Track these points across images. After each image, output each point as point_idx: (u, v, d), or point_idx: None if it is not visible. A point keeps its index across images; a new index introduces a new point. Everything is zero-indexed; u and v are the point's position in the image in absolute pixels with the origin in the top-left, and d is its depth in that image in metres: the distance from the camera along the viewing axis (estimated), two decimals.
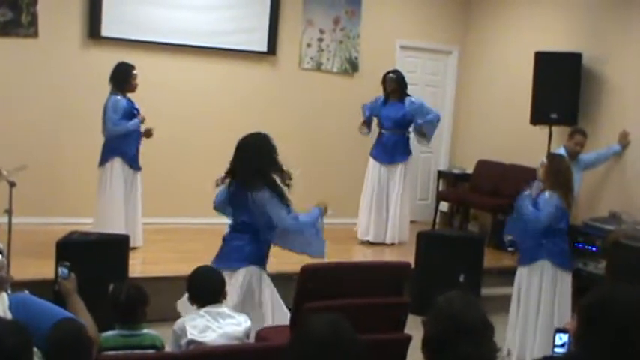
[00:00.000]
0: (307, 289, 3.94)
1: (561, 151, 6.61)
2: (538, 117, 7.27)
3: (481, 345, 2.11)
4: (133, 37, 7.26)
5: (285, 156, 4.60)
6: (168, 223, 7.28)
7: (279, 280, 5.12)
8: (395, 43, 8.58)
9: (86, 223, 6.19)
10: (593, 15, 7.21)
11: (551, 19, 7.72)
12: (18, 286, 4.61)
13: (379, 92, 7.50)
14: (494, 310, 3.99)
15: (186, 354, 3.23)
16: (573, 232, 6.35)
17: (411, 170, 7.67)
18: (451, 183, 8.82)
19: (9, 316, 2.64)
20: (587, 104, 7.12)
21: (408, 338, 3.94)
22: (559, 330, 2.62)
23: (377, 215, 7.46)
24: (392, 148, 7.41)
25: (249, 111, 7.58)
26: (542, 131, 7.31)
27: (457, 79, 9.01)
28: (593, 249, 6.45)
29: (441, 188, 8.85)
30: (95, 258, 4.96)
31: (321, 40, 8.18)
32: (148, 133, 6.27)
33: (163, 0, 7.40)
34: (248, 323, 3.50)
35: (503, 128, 8.16)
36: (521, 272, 5.12)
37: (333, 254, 6.62)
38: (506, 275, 5.83)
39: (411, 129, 7.50)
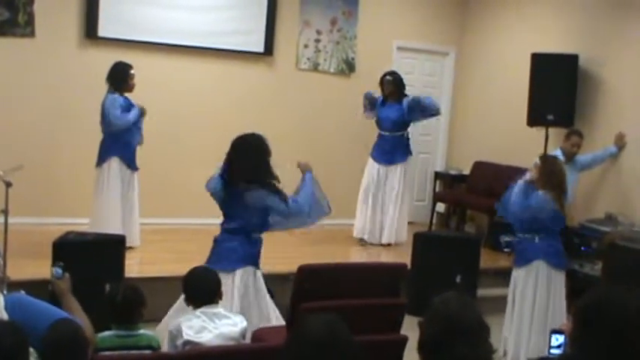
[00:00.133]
0: (304, 289, 3.94)
1: (558, 152, 6.63)
2: (535, 118, 7.28)
3: (477, 346, 2.11)
4: (130, 37, 7.25)
5: (283, 156, 4.61)
6: (165, 223, 7.27)
7: (276, 280, 5.12)
8: (392, 44, 8.58)
9: (82, 224, 6.17)
10: (589, 16, 7.22)
11: (548, 20, 7.73)
12: (14, 286, 4.61)
13: (376, 93, 7.51)
14: (490, 311, 4.00)
15: (182, 355, 3.23)
16: (569, 233, 6.37)
17: (410, 170, 7.68)
18: (448, 184, 8.83)
19: (5, 316, 2.63)
20: (583, 106, 7.13)
21: (405, 339, 3.94)
22: (555, 331, 2.62)
23: (373, 214, 7.47)
24: (391, 149, 7.43)
25: (246, 111, 7.58)
26: (538, 132, 7.32)
27: (454, 80, 9.02)
28: (589, 250, 6.46)
29: (437, 189, 8.85)
30: (91, 258, 4.96)
31: (318, 40, 8.18)
32: (142, 112, 6.22)
33: (160, 0, 7.39)
34: (244, 324, 3.50)
35: (500, 129, 8.17)
36: (518, 274, 5.13)
37: (330, 255, 6.67)
38: (503, 276, 5.83)
39: (410, 129, 7.52)
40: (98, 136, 6.19)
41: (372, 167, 7.50)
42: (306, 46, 8.15)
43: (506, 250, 6.65)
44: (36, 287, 3.81)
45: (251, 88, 7.80)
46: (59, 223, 6.43)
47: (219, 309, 3.48)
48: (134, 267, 5.78)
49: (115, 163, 6.12)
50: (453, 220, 8.64)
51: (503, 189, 5.14)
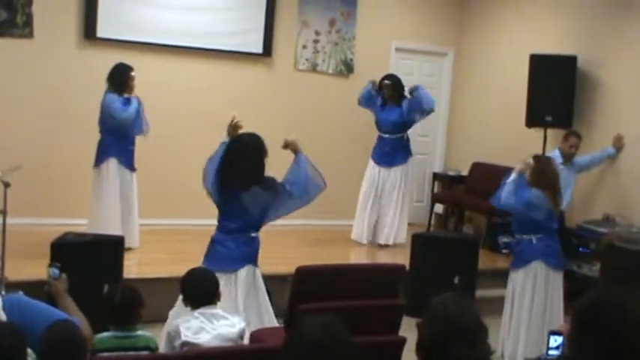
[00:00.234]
0: (302, 290, 3.94)
1: (556, 153, 6.64)
2: (533, 119, 7.28)
3: (475, 347, 2.12)
4: (128, 38, 7.25)
5: (282, 157, 4.61)
6: (163, 224, 7.26)
7: (274, 281, 5.12)
8: (390, 44, 8.59)
9: (81, 224, 6.17)
10: (588, 18, 7.23)
11: (546, 21, 7.74)
12: (12, 287, 4.63)
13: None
14: (489, 312, 4.00)
15: (180, 355, 3.22)
16: (567, 234, 6.37)
17: (411, 171, 7.67)
18: (446, 185, 8.83)
19: (3, 317, 2.63)
20: (582, 107, 7.14)
21: (403, 340, 3.94)
22: (553, 332, 2.63)
23: (373, 216, 7.48)
24: (391, 151, 7.44)
25: (245, 112, 7.43)
26: (537, 133, 7.32)
27: (452, 80, 9.03)
28: (588, 251, 6.47)
29: (436, 190, 8.86)
30: (90, 259, 4.96)
31: (316, 41, 8.18)
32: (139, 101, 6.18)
33: (159, 1, 7.39)
34: (242, 324, 3.50)
35: (498, 130, 8.18)
36: (517, 275, 5.13)
37: (329, 256, 6.67)
38: (501, 277, 5.84)
39: (410, 131, 7.54)
40: (97, 137, 6.18)
41: (372, 169, 7.52)
42: (304, 46, 8.15)
43: (504, 251, 6.62)
44: (34, 288, 3.80)
45: (249, 89, 7.80)
46: (57, 223, 6.42)
47: (217, 310, 3.48)
48: (133, 268, 5.78)
49: (112, 164, 6.11)
50: (452, 221, 8.64)
51: None
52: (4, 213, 4.98)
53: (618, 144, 6.80)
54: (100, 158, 6.14)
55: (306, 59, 8.18)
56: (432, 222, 8.61)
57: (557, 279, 5.12)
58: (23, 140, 6.85)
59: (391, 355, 3.92)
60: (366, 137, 7.73)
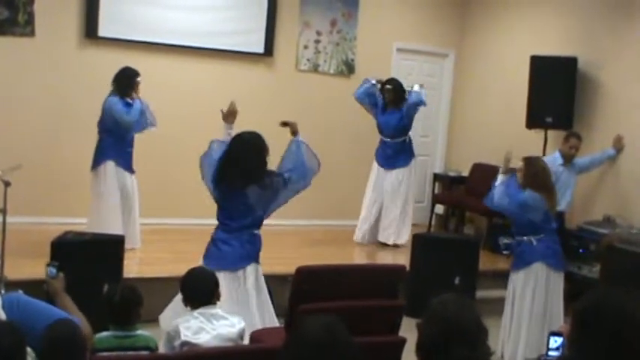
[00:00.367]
0: (302, 290, 3.94)
1: (556, 154, 6.65)
2: (533, 120, 7.28)
3: (475, 348, 2.11)
4: (129, 37, 7.25)
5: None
6: (164, 223, 7.26)
7: (274, 281, 5.12)
8: (391, 45, 8.59)
9: (81, 223, 6.17)
10: (588, 20, 7.23)
11: (547, 23, 7.74)
12: (12, 286, 4.63)
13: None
14: (489, 312, 4.00)
15: (179, 356, 3.22)
16: (567, 235, 6.37)
17: (413, 173, 7.66)
18: (447, 186, 8.83)
19: (3, 316, 2.63)
20: (582, 108, 7.14)
21: (403, 341, 3.94)
22: (553, 333, 2.63)
23: (373, 218, 7.49)
24: (393, 154, 7.47)
25: (246, 112, 7.46)
26: (537, 135, 7.33)
27: (453, 81, 9.03)
28: (588, 252, 6.47)
29: (436, 191, 8.85)
30: (90, 258, 4.96)
31: (317, 41, 8.18)
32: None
33: (160, 0, 7.39)
34: (242, 324, 3.49)
35: (498, 131, 8.17)
36: (517, 277, 5.12)
37: (329, 256, 6.66)
38: (502, 278, 5.84)
39: (411, 132, 7.54)
40: (97, 136, 6.18)
41: (375, 171, 7.53)
42: (305, 47, 8.15)
43: (505, 252, 6.62)
44: (34, 287, 3.80)
45: (251, 89, 7.79)
46: (57, 222, 6.42)
47: (217, 310, 3.48)
48: (133, 267, 5.78)
49: (110, 167, 6.08)
50: (452, 221, 8.64)
51: None
52: (4, 212, 4.98)
53: (618, 145, 6.80)
54: (98, 161, 6.12)
55: (308, 59, 8.18)
56: (433, 223, 8.61)
57: (557, 280, 5.12)
58: (23, 139, 6.85)
59: (391, 356, 3.92)
60: (367, 137, 7.73)
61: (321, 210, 8.12)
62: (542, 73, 7.18)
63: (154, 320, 4.42)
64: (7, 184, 5.01)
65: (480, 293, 6.19)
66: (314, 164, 4.59)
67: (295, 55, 8.12)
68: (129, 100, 6.11)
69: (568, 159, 6.60)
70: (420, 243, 6.37)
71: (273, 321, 4.48)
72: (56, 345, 2.51)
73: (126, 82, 6.08)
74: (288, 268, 4.62)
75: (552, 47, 7.36)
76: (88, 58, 7.13)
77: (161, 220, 7.23)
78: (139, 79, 6.12)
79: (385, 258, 7.17)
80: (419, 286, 5.80)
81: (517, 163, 5.15)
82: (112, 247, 5.23)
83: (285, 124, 4.72)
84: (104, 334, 3.30)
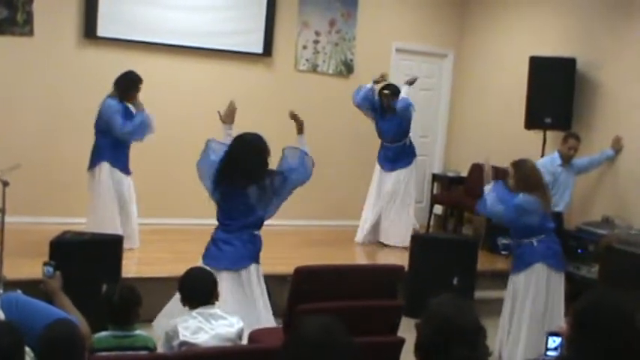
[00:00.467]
0: (301, 290, 3.94)
1: (555, 155, 6.65)
2: (532, 121, 7.29)
3: (473, 348, 2.12)
4: (128, 37, 7.25)
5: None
6: (163, 223, 7.26)
7: (274, 281, 5.12)
8: (390, 45, 8.59)
9: (80, 223, 6.16)
10: (587, 20, 7.24)
11: (546, 24, 7.74)
12: (11, 285, 4.62)
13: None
14: (488, 313, 4.01)
15: (178, 355, 3.22)
16: (566, 235, 6.37)
17: (414, 174, 7.65)
18: (445, 186, 8.83)
19: (1, 316, 2.63)
20: (581, 109, 7.14)
21: (402, 341, 3.94)
22: (551, 333, 2.63)
23: (374, 219, 7.49)
24: (394, 157, 7.48)
25: (245, 112, 7.45)
26: (536, 135, 7.33)
27: (452, 82, 9.03)
28: (586, 253, 6.47)
29: (435, 191, 8.86)
30: (88, 258, 4.96)
31: (316, 42, 8.19)
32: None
33: (160, 0, 7.39)
34: (240, 324, 3.49)
35: (497, 132, 8.18)
36: (517, 278, 5.11)
37: (329, 256, 6.66)
38: (500, 278, 5.84)
39: (411, 133, 7.55)
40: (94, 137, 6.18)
41: (377, 173, 7.55)
42: (304, 47, 8.15)
43: (503, 252, 6.66)
44: (33, 287, 3.79)
45: (250, 89, 7.79)
46: (56, 222, 6.42)
47: (215, 310, 3.48)
48: (131, 267, 5.78)
49: (105, 168, 6.05)
50: (451, 222, 8.63)
51: None
52: (2, 211, 4.99)
53: (617, 146, 6.80)
54: (94, 162, 6.09)
55: (307, 60, 8.18)
56: (431, 223, 8.61)
57: (558, 280, 5.10)
58: (22, 138, 6.85)
59: (390, 356, 3.92)
60: (367, 138, 7.73)
61: (320, 210, 8.13)
62: (542, 74, 7.19)
63: (153, 320, 4.42)
64: (5, 183, 5.01)
65: (479, 293, 6.19)
66: (309, 162, 4.61)
67: (294, 55, 8.12)
68: (129, 106, 6.08)
69: (567, 159, 6.60)
70: (418, 243, 6.38)
71: (270, 321, 4.49)
72: (55, 345, 2.51)
73: (127, 85, 6.05)
74: (288, 268, 4.62)
75: (551, 47, 7.37)
76: (87, 58, 7.12)
77: (160, 220, 7.23)
78: (140, 85, 6.08)
79: (384, 258, 7.17)
80: (418, 286, 5.80)
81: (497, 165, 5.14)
82: (110, 247, 5.23)
83: (294, 116, 4.72)
84: (103, 333, 3.30)
